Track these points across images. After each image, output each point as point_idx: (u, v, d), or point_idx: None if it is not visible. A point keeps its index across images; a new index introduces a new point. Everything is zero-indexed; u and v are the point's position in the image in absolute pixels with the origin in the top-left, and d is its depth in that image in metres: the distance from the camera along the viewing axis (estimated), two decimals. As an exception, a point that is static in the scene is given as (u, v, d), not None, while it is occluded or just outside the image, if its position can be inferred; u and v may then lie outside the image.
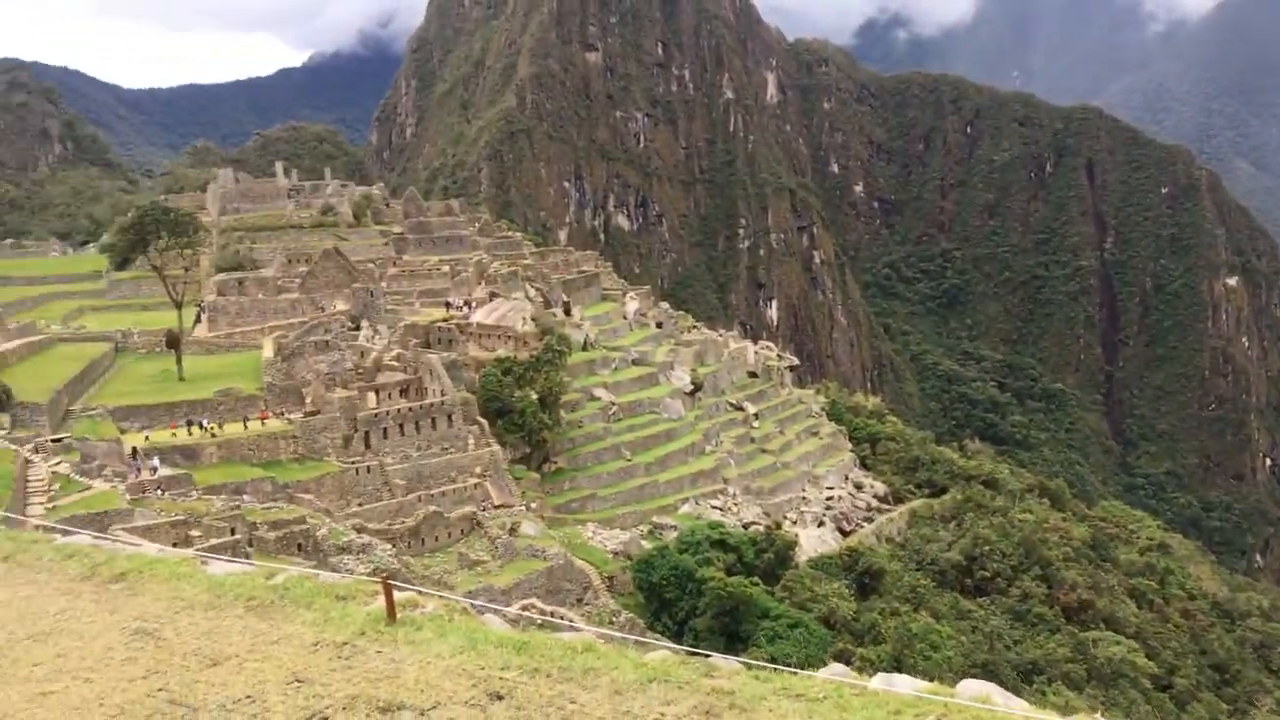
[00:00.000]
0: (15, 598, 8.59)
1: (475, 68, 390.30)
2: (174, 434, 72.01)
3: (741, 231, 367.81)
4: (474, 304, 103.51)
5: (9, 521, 23.29)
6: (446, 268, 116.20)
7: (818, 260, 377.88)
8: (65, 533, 11.17)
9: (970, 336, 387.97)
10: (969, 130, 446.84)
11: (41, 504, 55.33)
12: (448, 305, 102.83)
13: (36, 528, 53.43)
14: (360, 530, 61.65)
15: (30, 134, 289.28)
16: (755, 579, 75.33)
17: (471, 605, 8.82)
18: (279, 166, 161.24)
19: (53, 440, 64.35)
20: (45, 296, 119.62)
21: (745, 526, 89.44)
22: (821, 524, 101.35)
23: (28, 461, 60.25)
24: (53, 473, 59.74)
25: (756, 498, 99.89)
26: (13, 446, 61.63)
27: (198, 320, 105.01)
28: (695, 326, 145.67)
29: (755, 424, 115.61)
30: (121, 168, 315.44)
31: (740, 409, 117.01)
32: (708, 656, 8.16)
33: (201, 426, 73.32)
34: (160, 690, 6.87)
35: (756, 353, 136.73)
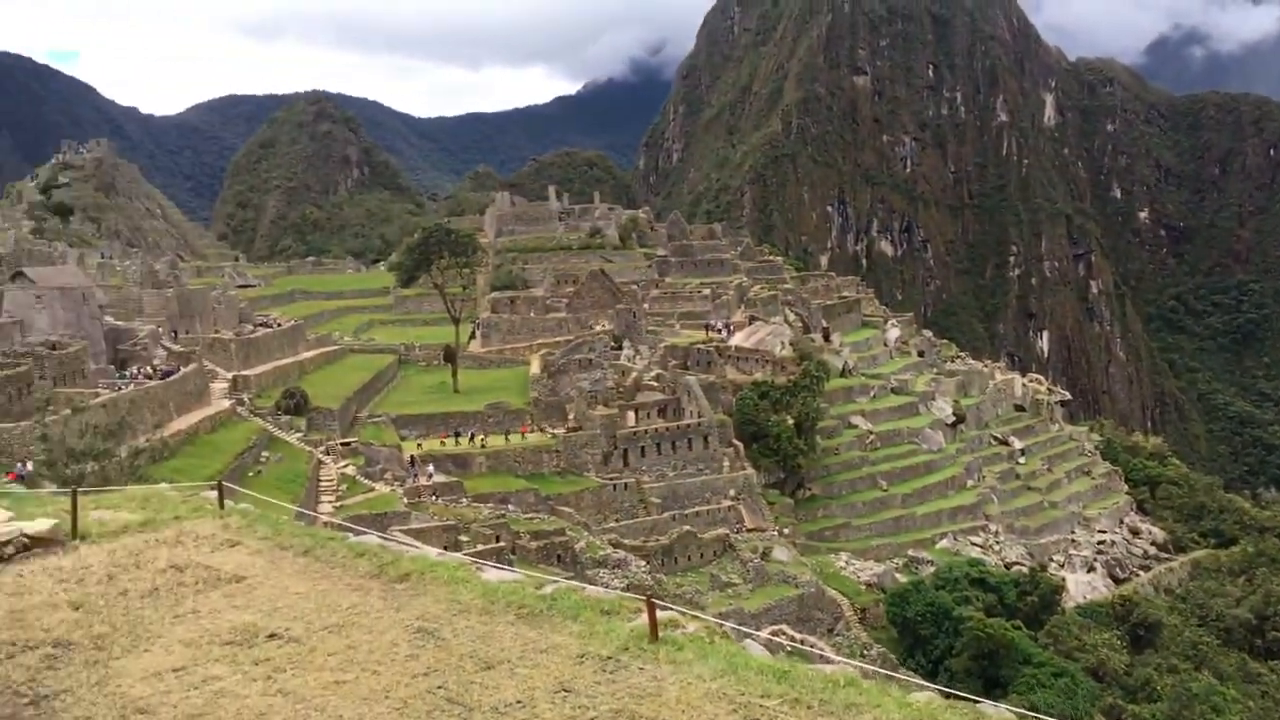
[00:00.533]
0: (314, 590, 9.29)
1: (742, 93, 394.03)
2: (442, 443, 76.19)
3: (1012, 259, 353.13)
4: (733, 327, 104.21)
5: (303, 516, 25.21)
6: (707, 290, 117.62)
7: (1095, 290, 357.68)
8: (356, 531, 11.98)
9: (1268, 376, 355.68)
10: (1272, 153, 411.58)
11: (330, 502, 59.86)
12: (707, 328, 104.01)
13: (325, 524, 57.54)
14: (616, 545, 63.10)
15: (333, 160, 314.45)
16: (1017, 622, 71.82)
17: (732, 629, 8.85)
18: (551, 190, 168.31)
19: (342, 444, 69.48)
20: (340, 310, 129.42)
21: (1007, 566, 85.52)
22: (1092, 569, 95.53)
23: (320, 462, 65.32)
24: (341, 473, 64.50)
25: (1020, 537, 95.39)
26: (308, 448, 67.00)
27: (473, 336, 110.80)
28: (959, 356, 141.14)
29: (1021, 460, 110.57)
30: (410, 191, 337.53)
31: (1005, 443, 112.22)
32: (976, 702, 7.83)
33: (471, 438, 77.24)
34: (439, 688, 7.24)
35: (1024, 385, 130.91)
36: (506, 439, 77.29)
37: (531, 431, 79.50)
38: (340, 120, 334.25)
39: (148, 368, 66.51)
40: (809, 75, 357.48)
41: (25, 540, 10.40)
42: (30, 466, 40.64)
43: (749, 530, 74.32)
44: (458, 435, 77.35)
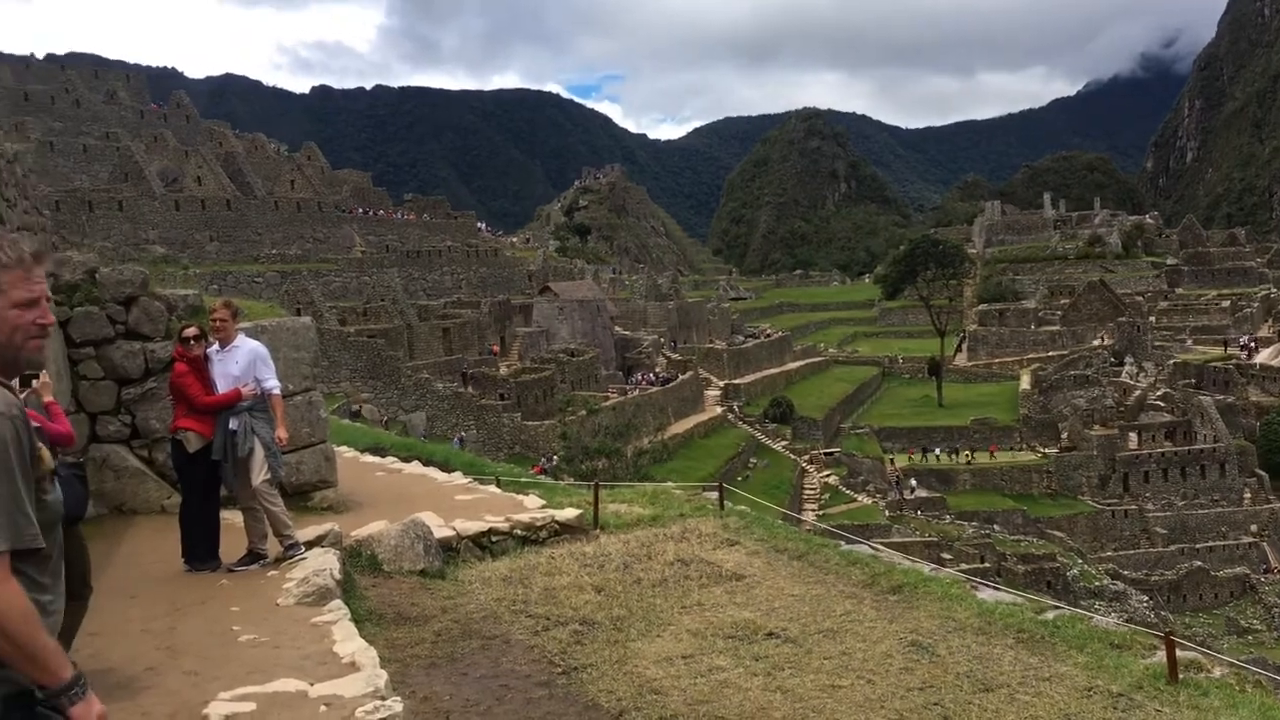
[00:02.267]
0: (809, 594, 9.53)
1: (1273, 82, 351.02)
2: (910, 459, 75.09)
3: None
4: (1258, 343, 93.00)
5: (791, 521, 25.92)
6: (1226, 303, 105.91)
7: None
8: (846, 539, 12.12)
9: None
10: None
11: (812, 510, 61.15)
12: (1226, 344, 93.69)
13: (810, 530, 58.78)
14: (1114, 577, 58.62)
15: (821, 175, 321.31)
16: None
17: (1271, 678, 7.86)
18: (1046, 197, 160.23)
19: (825, 453, 70.74)
20: (825, 322, 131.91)
21: None
22: None
23: (804, 471, 66.96)
24: (823, 483, 65.70)
25: None
26: (792, 456, 68.95)
27: (958, 349, 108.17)
28: None
29: None
30: (896, 203, 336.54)
31: None
32: None
33: (954, 453, 75.40)
34: (935, 704, 7.11)
35: None
36: (969, 457, 74.74)
37: (1000, 451, 76.17)
38: (829, 136, 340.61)
39: (650, 374, 71.80)
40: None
41: (556, 525, 11.64)
42: (554, 460, 45.43)
43: (1276, 572, 65.90)
44: (925, 451, 76.01)
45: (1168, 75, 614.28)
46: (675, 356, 79.62)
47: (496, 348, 70.47)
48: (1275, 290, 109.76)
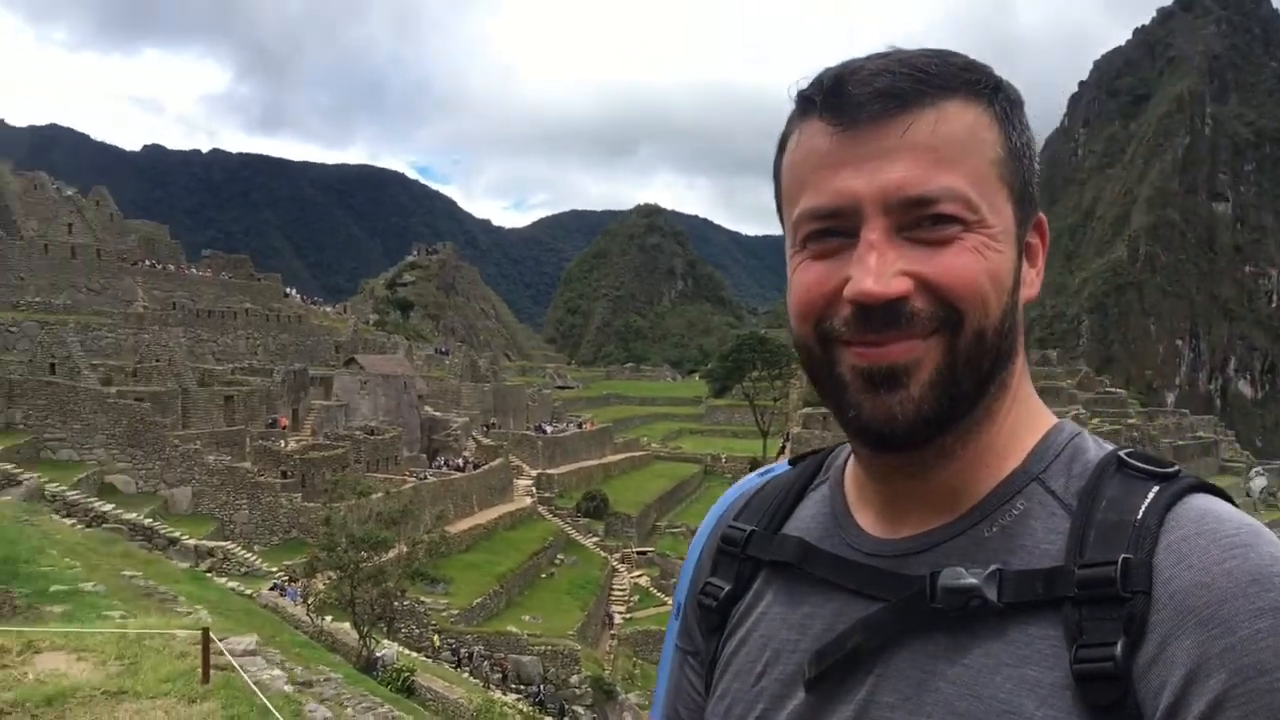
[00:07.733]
0: None
1: (1084, 218, 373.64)
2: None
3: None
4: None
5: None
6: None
7: None
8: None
9: None
10: None
11: (620, 612, 56.66)
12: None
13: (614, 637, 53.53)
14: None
15: (659, 272, 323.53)
16: None
17: None
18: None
19: (638, 552, 66.52)
20: (652, 416, 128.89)
21: None
22: None
23: (614, 570, 62.50)
24: (634, 583, 61.32)
25: None
26: (603, 553, 64.43)
27: (782, 450, 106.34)
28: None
29: None
30: (732, 304, 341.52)
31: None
32: None
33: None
34: None
35: None
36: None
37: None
38: (669, 233, 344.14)
39: (456, 459, 66.65)
40: (1160, 200, 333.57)
41: None
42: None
43: None
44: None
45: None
46: (486, 442, 74.50)
47: (285, 420, 64.09)
48: (1084, 411, 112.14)
